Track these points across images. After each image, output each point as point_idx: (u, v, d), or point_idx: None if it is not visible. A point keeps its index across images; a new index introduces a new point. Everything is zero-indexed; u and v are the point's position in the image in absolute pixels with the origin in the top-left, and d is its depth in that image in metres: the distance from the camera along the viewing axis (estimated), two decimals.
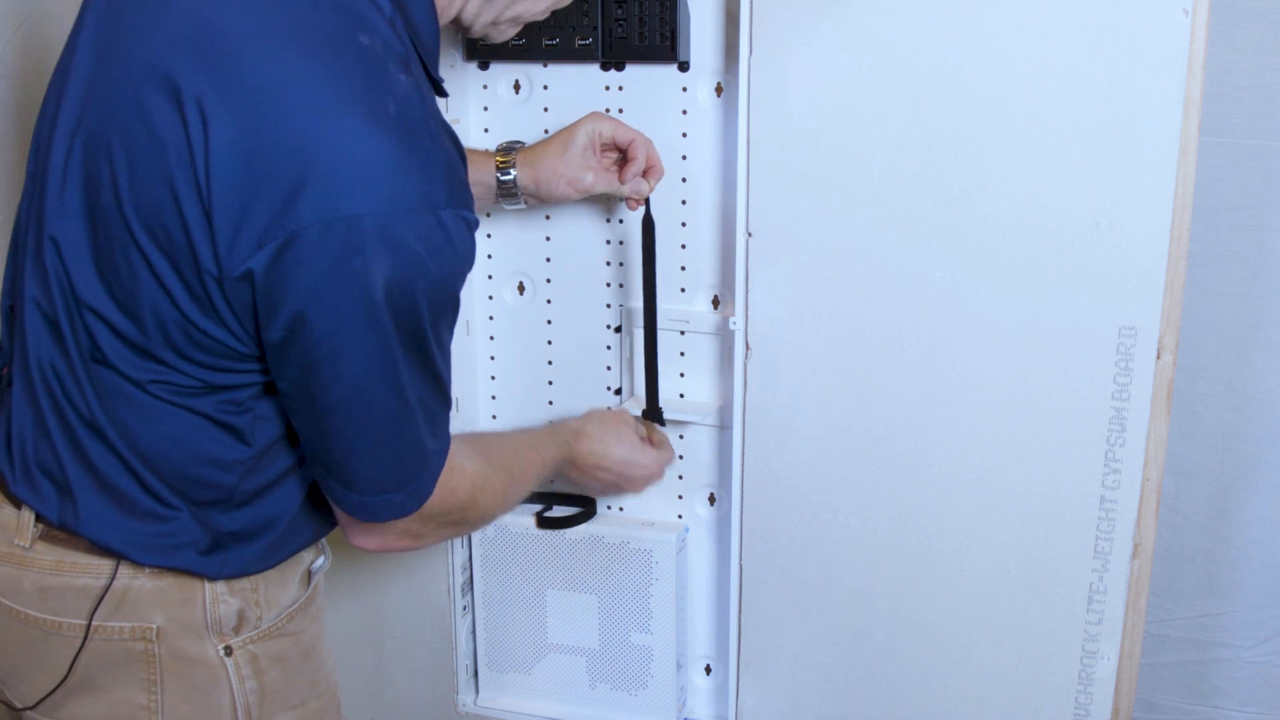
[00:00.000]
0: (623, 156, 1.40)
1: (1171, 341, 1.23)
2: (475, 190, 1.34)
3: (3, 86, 1.59)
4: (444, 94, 1.12)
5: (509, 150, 1.40)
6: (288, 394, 1.02)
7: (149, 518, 1.06)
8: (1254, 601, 1.83)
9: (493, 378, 1.57)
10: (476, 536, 1.55)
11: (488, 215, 1.52)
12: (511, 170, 1.39)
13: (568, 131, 1.39)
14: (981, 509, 1.33)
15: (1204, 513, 1.81)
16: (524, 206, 1.42)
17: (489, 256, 1.53)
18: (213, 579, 1.09)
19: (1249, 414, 1.77)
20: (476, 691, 1.63)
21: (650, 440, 1.44)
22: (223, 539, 1.08)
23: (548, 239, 1.50)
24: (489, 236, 1.52)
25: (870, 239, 1.30)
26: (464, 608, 1.59)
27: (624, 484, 1.43)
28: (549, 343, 1.53)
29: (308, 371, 0.98)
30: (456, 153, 1.01)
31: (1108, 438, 1.27)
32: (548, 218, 1.50)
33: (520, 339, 1.55)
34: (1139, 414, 1.25)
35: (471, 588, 1.58)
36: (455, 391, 1.51)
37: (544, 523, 1.52)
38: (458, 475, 1.11)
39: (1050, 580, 1.32)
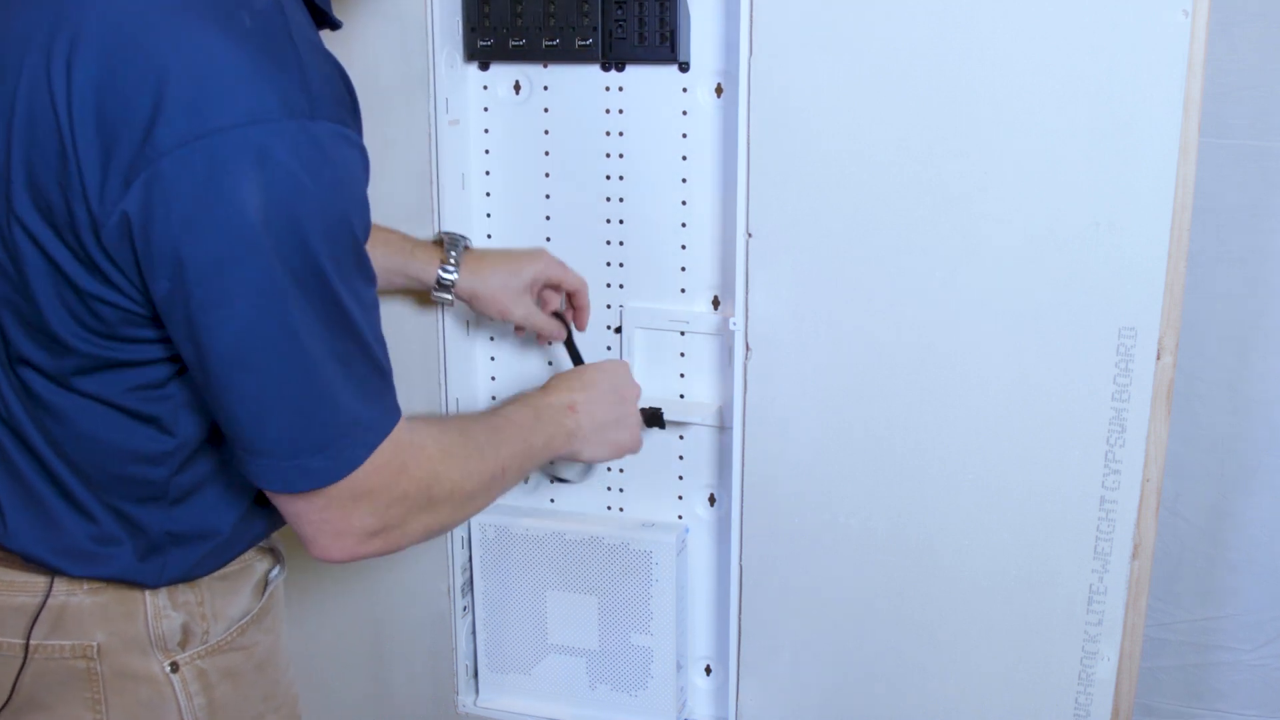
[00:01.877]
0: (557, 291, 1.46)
1: (1171, 342, 1.23)
2: (397, 276, 1.38)
3: None
4: (335, 25, 1.08)
5: (454, 245, 1.40)
6: (185, 356, 0.95)
7: (76, 527, 1.04)
8: (1254, 604, 1.83)
9: (493, 378, 1.57)
10: (476, 536, 1.55)
11: (488, 216, 1.52)
12: (454, 271, 1.39)
13: (516, 262, 1.42)
14: (981, 509, 1.33)
15: (1203, 515, 1.81)
16: (449, 300, 1.42)
17: None
18: (153, 587, 1.06)
19: (1249, 416, 1.77)
20: (476, 692, 1.62)
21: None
22: (159, 541, 1.05)
23: (548, 239, 1.50)
24: (489, 237, 1.52)
25: (870, 239, 1.30)
26: (464, 608, 1.59)
27: (625, 393, 1.38)
28: (549, 343, 1.53)
29: (194, 319, 0.91)
30: (341, 82, 0.97)
31: (1108, 438, 1.27)
32: (548, 218, 1.50)
33: (520, 339, 1.55)
34: (1139, 414, 1.25)
35: (471, 588, 1.58)
36: (456, 392, 1.51)
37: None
38: (408, 450, 1.03)
39: (1050, 581, 1.32)
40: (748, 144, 1.31)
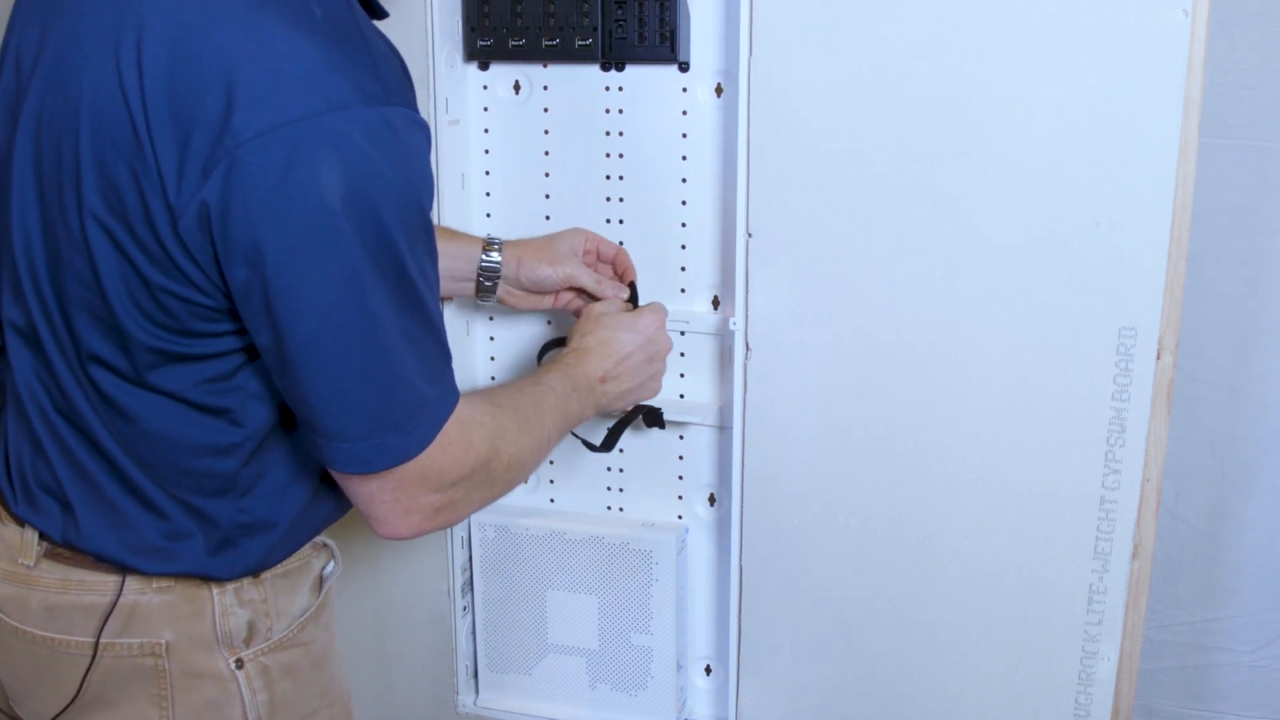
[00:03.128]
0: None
1: (1171, 342, 1.23)
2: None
3: None
4: (382, 14, 1.08)
5: (495, 245, 1.40)
6: (261, 344, 0.96)
7: (148, 525, 1.05)
8: (1254, 606, 1.82)
9: (493, 378, 1.57)
10: (476, 536, 1.55)
11: (488, 216, 1.52)
12: (497, 254, 1.38)
13: (550, 235, 1.43)
14: (981, 509, 1.33)
15: (1203, 517, 1.81)
16: (490, 300, 1.40)
17: None
18: (225, 581, 1.07)
19: (1249, 417, 1.77)
20: (476, 692, 1.62)
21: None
22: (232, 534, 1.06)
23: None
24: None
25: (870, 239, 1.30)
26: (464, 608, 1.59)
27: (653, 349, 1.35)
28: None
29: (273, 306, 0.92)
30: (400, 64, 0.98)
31: (1108, 438, 1.27)
32: (548, 218, 1.50)
33: (520, 339, 1.55)
34: (1139, 414, 1.25)
35: (471, 588, 1.58)
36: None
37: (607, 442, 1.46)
38: (472, 427, 1.05)
39: (1050, 581, 1.32)
40: (748, 144, 1.32)
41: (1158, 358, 1.24)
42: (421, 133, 0.96)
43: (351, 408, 0.96)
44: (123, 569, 1.06)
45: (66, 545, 1.06)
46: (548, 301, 1.42)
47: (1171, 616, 1.85)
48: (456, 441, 1.02)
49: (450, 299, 1.48)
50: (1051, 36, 1.20)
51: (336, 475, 1.02)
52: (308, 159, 0.88)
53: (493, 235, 1.41)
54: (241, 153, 0.88)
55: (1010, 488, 1.31)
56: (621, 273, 1.44)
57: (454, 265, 1.38)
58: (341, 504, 1.14)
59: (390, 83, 0.94)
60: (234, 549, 1.07)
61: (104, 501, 1.05)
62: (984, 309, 1.28)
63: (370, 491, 1.01)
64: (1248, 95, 1.64)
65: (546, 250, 1.40)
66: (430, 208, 0.98)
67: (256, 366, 1.02)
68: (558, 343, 1.48)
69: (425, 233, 0.97)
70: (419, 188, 0.96)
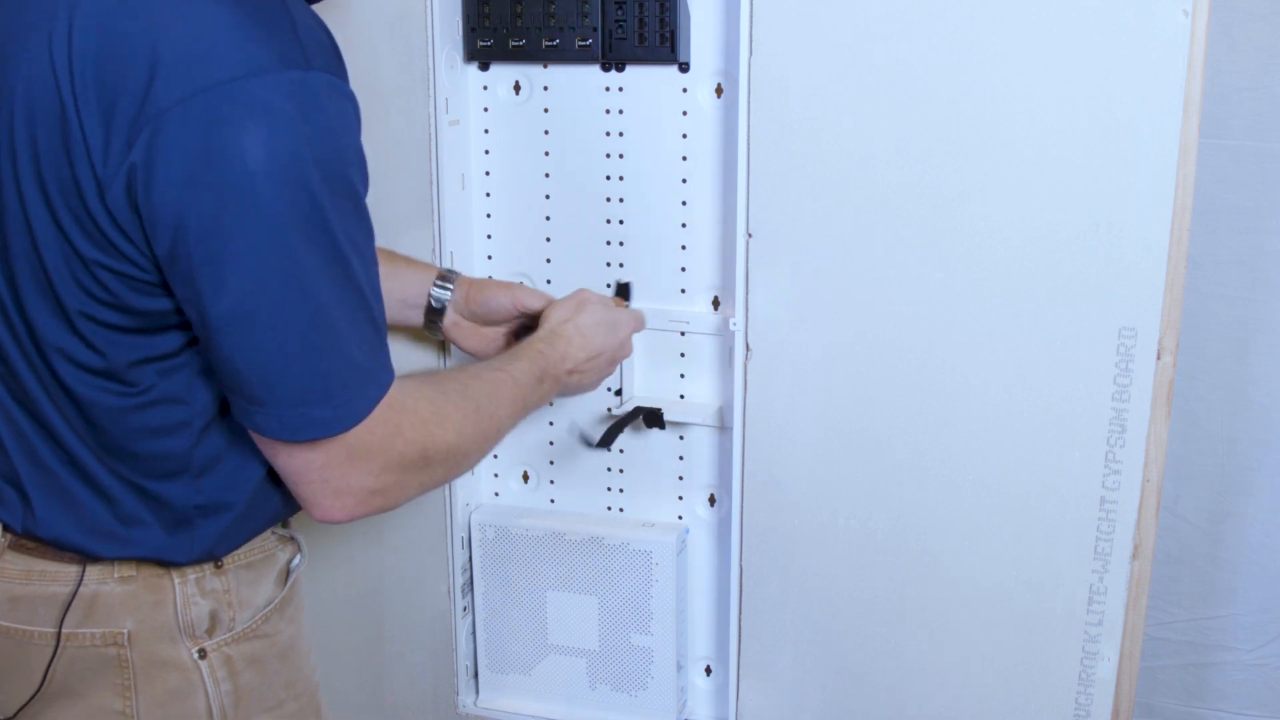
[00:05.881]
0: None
1: (1171, 342, 1.24)
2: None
3: None
4: None
5: (449, 275, 1.41)
6: (190, 316, 0.97)
7: (98, 509, 1.05)
8: (1254, 605, 1.83)
9: None
10: (476, 536, 1.55)
11: (488, 216, 1.52)
12: (450, 285, 1.39)
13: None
14: (981, 510, 1.33)
15: (1203, 516, 1.81)
16: (436, 333, 1.42)
17: (489, 257, 1.53)
18: (183, 564, 1.07)
19: (1249, 418, 1.77)
20: (476, 692, 1.62)
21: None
22: (188, 515, 1.06)
23: (548, 239, 1.50)
24: (489, 237, 1.53)
25: (870, 240, 1.30)
26: (464, 608, 1.59)
27: (619, 354, 1.38)
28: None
29: (197, 274, 0.92)
30: (327, 37, 0.98)
31: (1108, 439, 1.27)
32: (548, 218, 1.50)
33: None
34: (1139, 415, 1.25)
35: (471, 588, 1.58)
36: None
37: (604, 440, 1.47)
38: (401, 413, 1.03)
39: (1050, 581, 1.32)
40: (748, 144, 1.32)
41: (1158, 358, 1.24)
42: (347, 102, 0.96)
43: (279, 375, 0.96)
44: (83, 557, 1.06)
45: (27, 535, 1.07)
46: (493, 345, 1.41)
47: (1172, 615, 1.85)
48: (384, 426, 1.01)
49: (398, 327, 1.46)
50: (1051, 37, 1.20)
51: (264, 446, 1.02)
52: (230, 124, 0.89)
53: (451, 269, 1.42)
54: (163, 120, 0.89)
55: (1010, 488, 1.31)
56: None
57: (406, 289, 1.38)
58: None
59: (311, 50, 0.94)
60: (190, 530, 1.07)
61: (57, 487, 1.05)
62: (984, 309, 1.28)
63: (298, 468, 1.00)
64: (1248, 95, 1.64)
65: (497, 282, 1.43)
66: (362, 184, 0.98)
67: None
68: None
69: (354, 201, 0.97)
70: (344, 153, 0.95)
